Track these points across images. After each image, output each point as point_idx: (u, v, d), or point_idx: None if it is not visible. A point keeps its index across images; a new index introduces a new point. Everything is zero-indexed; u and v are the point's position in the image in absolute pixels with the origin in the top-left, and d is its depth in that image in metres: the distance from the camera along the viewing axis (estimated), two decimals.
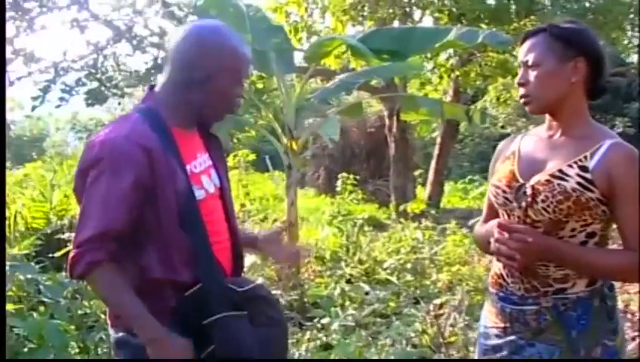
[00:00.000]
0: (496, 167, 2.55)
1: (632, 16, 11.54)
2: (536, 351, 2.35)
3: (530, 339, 2.37)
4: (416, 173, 15.88)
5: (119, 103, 10.05)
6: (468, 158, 25.36)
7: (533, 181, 2.32)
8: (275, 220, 10.10)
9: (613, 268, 2.28)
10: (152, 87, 2.46)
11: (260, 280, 6.37)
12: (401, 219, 10.30)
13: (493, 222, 2.37)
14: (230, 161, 16.31)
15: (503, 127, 21.31)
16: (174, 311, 2.27)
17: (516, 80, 2.44)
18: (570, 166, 2.26)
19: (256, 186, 14.88)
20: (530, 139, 2.48)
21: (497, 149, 2.62)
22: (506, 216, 2.43)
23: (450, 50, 11.46)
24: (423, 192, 15.71)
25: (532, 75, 2.34)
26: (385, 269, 7.57)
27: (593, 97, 2.39)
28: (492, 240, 2.31)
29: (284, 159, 7.35)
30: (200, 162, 2.42)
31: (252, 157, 15.51)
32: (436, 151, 15.22)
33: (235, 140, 11.30)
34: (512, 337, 2.41)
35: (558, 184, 2.25)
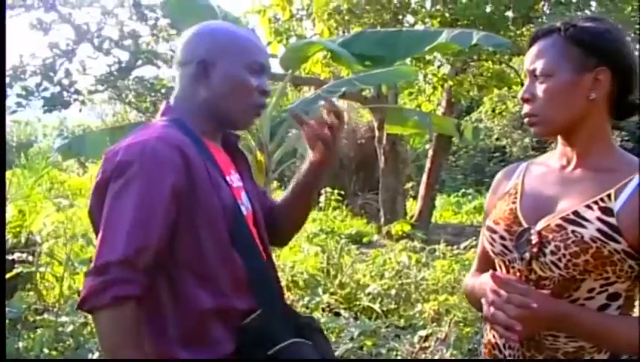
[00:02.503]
0: (492, 202, 2.04)
1: (636, 25, 11.08)
2: None
3: None
4: (408, 185, 15.39)
5: (80, 110, 9.59)
6: (462, 171, 24.95)
7: (540, 225, 1.84)
8: None
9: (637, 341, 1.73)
10: (168, 103, 2.12)
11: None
12: (386, 241, 9.76)
13: (487, 276, 1.84)
14: None
15: (498, 139, 20.91)
16: (231, 349, 1.88)
17: (520, 93, 1.90)
18: (588, 207, 1.79)
19: None
20: (538, 170, 2.02)
21: (496, 179, 2.13)
22: (504, 269, 1.93)
23: (443, 59, 11.02)
24: (414, 206, 15.29)
25: (540, 88, 1.83)
26: (367, 295, 7.04)
27: (619, 117, 1.89)
28: (484, 301, 1.81)
29: (257, 175, 6.76)
30: (234, 178, 2.08)
31: None
32: (428, 164, 14.74)
33: None
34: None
35: (573, 231, 1.77)
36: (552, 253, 1.78)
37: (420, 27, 11.20)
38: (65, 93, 8.23)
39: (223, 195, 1.91)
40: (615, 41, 1.83)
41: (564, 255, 1.76)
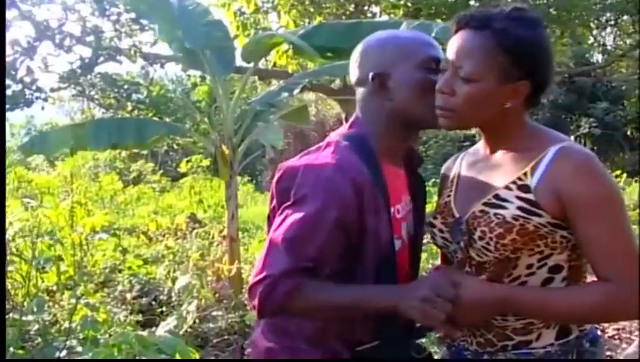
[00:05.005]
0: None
1: (598, 13, 11.16)
2: None
3: None
4: None
5: (43, 108, 9.47)
6: (432, 161, 24.99)
7: (468, 214, 1.87)
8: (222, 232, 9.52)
9: (585, 309, 1.76)
10: (357, 116, 2.13)
11: (194, 302, 6.05)
12: None
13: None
14: (183, 167, 15.84)
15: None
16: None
17: (438, 84, 1.86)
18: (508, 188, 1.81)
19: (210, 193, 14.29)
20: (470, 159, 2.03)
21: (441, 174, 2.14)
22: (449, 260, 1.97)
23: None
24: None
25: (462, 88, 1.80)
26: None
27: (531, 106, 1.91)
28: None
29: (222, 169, 6.75)
30: (403, 206, 2.11)
31: (206, 162, 15.00)
32: None
33: (174, 146, 10.74)
34: None
35: (495, 214, 1.79)
36: (480, 238, 1.80)
37: (383, 18, 11.20)
38: (27, 91, 8.13)
39: (381, 232, 1.95)
40: (540, 52, 1.80)
41: (490, 238, 1.78)
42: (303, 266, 1.87)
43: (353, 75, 2.13)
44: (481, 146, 2.00)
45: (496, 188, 1.83)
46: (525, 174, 1.79)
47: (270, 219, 2.06)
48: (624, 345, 5.69)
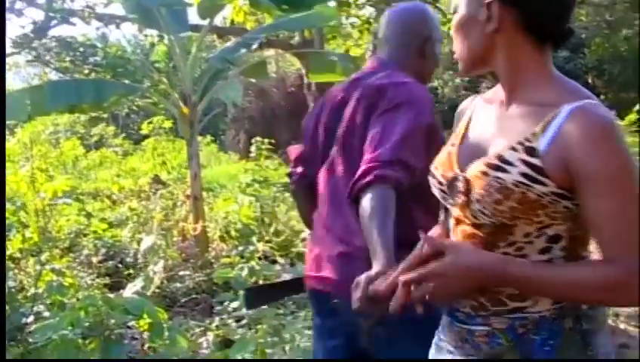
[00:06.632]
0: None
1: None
2: None
3: None
4: None
5: None
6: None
7: (468, 172, 1.69)
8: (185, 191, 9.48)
9: (586, 292, 1.60)
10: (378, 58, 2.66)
11: (161, 263, 6.04)
12: None
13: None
14: (145, 129, 15.66)
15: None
16: None
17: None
18: (513, 149, 1.61)
19: (174, 155, 14.15)
20: (483, 107, 1.84)
21: (456, 113, 1.97)
22: (445, 214, 1.84)
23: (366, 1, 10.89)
24: None
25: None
26: (303, 241, 7.02)
27: (555, 43, 1.72)
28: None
29: (182, 128, 6.70)
30: None
31: (168, 124, 14.84)
32: None
33: (135, 108, 10.60)
34: (463, 359, 1.79)
35: (496, 177, 1.61)
36: (478, 201, 1.65)
37: None
38: None
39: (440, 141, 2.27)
40: None
41: (487, 203, 1.63)
42: (407, 164, 2.20)
43: (395, 28, 2.63)
44: (497, 91, 1.80)
45: (501, 148, 1.65)
46: (534, 135, 1.59)
47: (349, 129, 2.45)
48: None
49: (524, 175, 1.58)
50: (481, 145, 1.72)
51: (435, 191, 1.82)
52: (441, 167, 1.80)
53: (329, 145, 2.56)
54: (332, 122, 2.56)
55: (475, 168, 1.67)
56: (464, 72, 1.79)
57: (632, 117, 18.77)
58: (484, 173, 1.63)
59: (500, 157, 1.62)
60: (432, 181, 1.82)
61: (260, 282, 5.49)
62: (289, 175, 2.85)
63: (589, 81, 24.17)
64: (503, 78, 1.73)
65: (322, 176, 2.57)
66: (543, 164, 1.56)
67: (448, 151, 1.81)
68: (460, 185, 1.70)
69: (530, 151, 1.58)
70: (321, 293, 2.47)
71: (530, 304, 1.66)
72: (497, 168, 1.61)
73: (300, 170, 2.75)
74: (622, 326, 5.31)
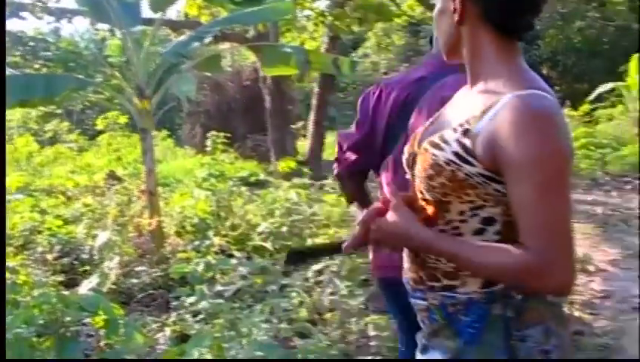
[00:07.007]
0: None
1: None
2: (430, 356, 1.84)
3: (428, 340, 1.86)
4: (299, 125, 15.32)
5: None
6: (352, 107, 24.95)
7: (418, 149, 1.83)
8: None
9: (496, 271, 1.65)
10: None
11: (116, 259, 5.99)
12: (273, 179, 9.71)
13: None
14: (100, 124, 15.52)
15: (385, 73, 21.08)
16: None
17: None
18: (454, 130, 1.70)
19: (129, 150, 14.03)
20: (461, 92, 1.92)
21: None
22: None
23: None
24: (305, 145, 15.30)
25: None
26: (259, 234, 7.05)
27: (518, 36, 1.79)
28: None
29: (137, 122, 6.64)
30: None
31: (123, 119, 14.71)
32: (315, 102, 14.70)
33: (88, 104, 10.49)
34: (420, 333, 1.92)
35: (433, 155, 1.71)
36: (417, 176, 1.78)
37: None
38: None
39: None
40: None
41: (422, 178, 1.74)
42: None
43: None
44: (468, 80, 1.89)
45: (445, 128, 1.74)
46: (475, 118, 1.66)
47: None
48: None
49: (456, 154, 1.67)
50: (437, 127, 1.81)
51: (405, 165, 1.94)
52: (412, 140, 1.91)
53: (389, 138, 2.69)
54: (396, 118, 2.66)
55: (422, 146, 1.78)
56: (447, 59, 1.91)
57: (586, 107, 18.98)
58: (425, 150, 1.74)
59: (441, 137, 1.72)
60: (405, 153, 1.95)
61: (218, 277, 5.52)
62: (337, 160, 2.96)
63: (544, 72, 24.45)
64: (467, 67, 1.83)
65: (389, 171, 2.71)
66: (473, 146, 1.65)
67: (420, 131, 1.91)
68: (410, 161, 1.86)
69: (466, 133, 1.67)
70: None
71: (459, 283, 1.74)
72: (436, 146, 1.72)
73: (353, 157, 2.86)
74: (576, 313, 5.42)
